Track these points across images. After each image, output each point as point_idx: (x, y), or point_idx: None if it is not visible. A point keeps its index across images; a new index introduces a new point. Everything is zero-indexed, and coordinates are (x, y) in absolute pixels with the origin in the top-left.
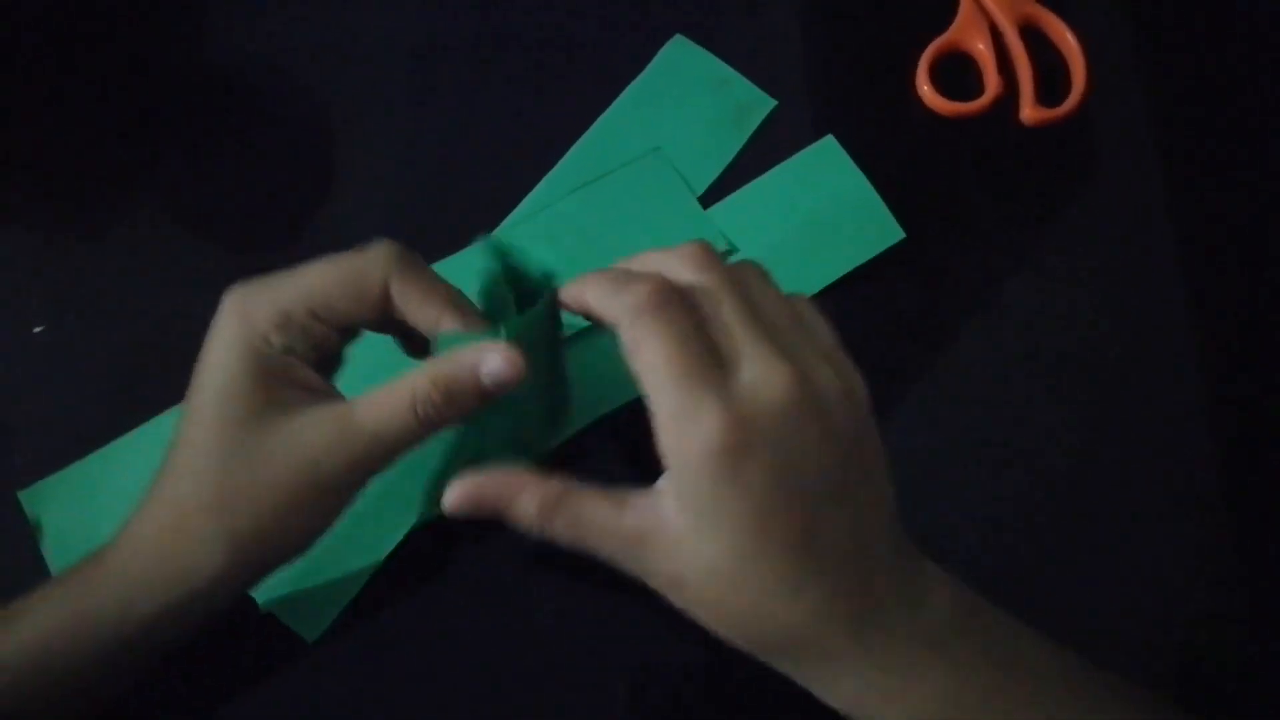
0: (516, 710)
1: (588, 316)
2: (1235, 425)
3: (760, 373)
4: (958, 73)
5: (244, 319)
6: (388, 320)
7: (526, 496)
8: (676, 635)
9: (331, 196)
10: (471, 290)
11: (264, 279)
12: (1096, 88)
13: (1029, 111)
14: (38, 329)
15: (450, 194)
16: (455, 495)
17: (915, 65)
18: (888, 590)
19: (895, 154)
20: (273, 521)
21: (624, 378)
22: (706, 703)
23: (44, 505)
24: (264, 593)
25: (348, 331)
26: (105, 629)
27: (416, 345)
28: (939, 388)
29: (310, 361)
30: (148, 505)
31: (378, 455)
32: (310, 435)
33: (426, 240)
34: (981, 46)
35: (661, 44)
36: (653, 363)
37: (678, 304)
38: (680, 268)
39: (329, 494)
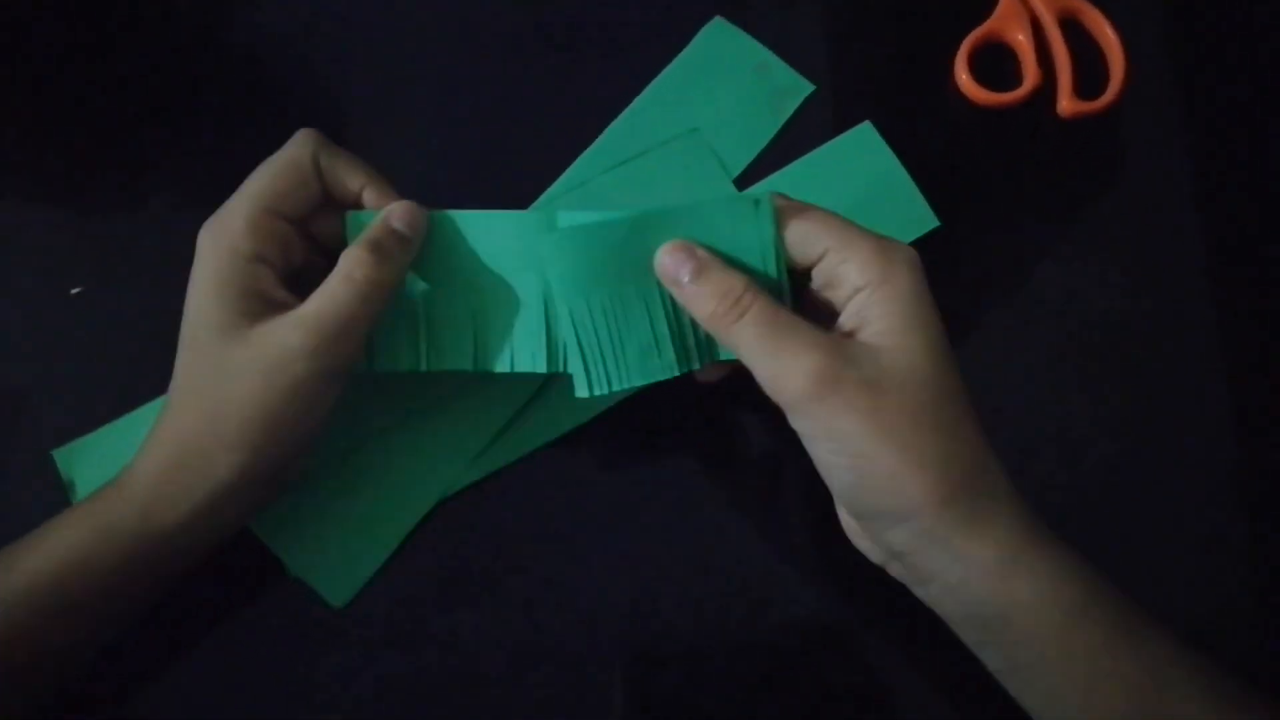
0: (537, 678)
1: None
2: (1262, 420)
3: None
4: (996, 63)
5: (215, 241)
6: (328, 204)
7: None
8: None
9: None
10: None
11: (221, 206)
12: (1134, 81)
13: (1066, 104)
14: (75, 290)
15: (488, 170)
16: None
17: (954, 54)
18: (1000, 479)
19: (932, 142)
20: (261, 431)
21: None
22: (706, 703)
23: (77, 465)
24: (293, 559)
25: (306, 232)
26: (125, 539)
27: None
28: (969, 376)
29: (279, 268)
30: (157, 430)
31: (331, 333)
32: (269, 339)
33: None
34: (1021, 37)
35: (701, 25)
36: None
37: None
38: None
39: (305, 392)
